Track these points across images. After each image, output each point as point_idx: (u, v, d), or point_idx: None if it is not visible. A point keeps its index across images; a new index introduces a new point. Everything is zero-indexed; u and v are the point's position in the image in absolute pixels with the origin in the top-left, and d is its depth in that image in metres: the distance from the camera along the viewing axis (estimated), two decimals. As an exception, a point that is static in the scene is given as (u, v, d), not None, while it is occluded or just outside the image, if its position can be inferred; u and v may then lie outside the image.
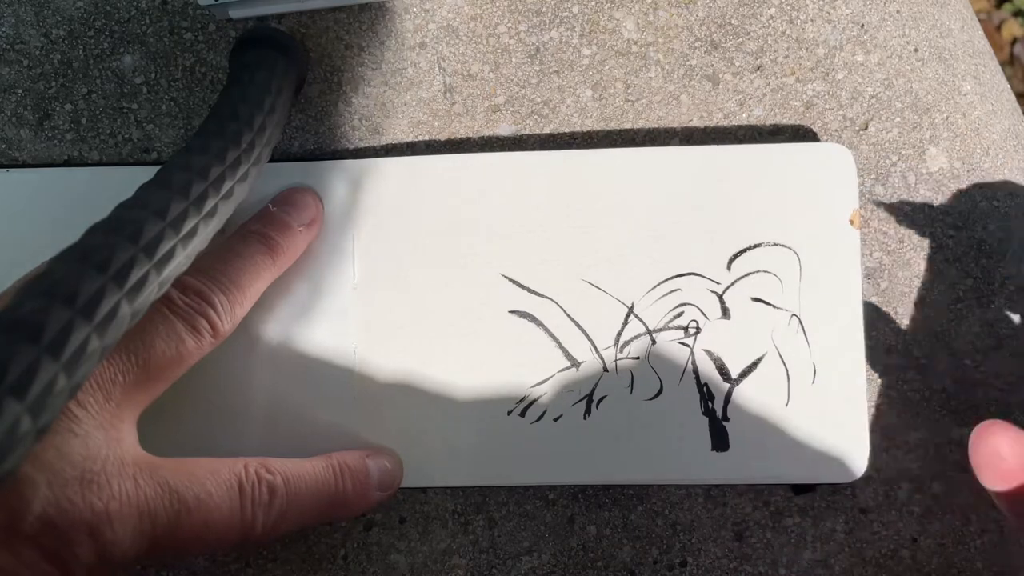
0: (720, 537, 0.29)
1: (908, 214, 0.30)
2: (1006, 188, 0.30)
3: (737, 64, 0.30)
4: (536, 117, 0.30)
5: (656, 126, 0.30)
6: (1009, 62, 0.94)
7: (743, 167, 0.28)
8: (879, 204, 0.30)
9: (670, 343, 0.28)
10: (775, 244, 0.28)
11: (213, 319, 0.24)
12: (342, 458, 0.26)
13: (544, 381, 0.28)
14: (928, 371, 0.29)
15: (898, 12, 0.30)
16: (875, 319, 0.29)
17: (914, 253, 0.30)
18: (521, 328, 0.28)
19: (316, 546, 0.29)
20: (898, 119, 0.30)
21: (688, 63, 0.30)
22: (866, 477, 0.28)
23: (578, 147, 0.30)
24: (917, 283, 0.30)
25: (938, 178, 0.30)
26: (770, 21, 0.30)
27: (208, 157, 0.23)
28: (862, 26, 0.30)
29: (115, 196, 0.21)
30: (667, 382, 0.28)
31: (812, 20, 0.30)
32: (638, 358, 0.28)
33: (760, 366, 0.28)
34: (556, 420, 0.28)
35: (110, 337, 0.19)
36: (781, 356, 0.28)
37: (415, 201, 0.29)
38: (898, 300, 0.29)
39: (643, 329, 0.28)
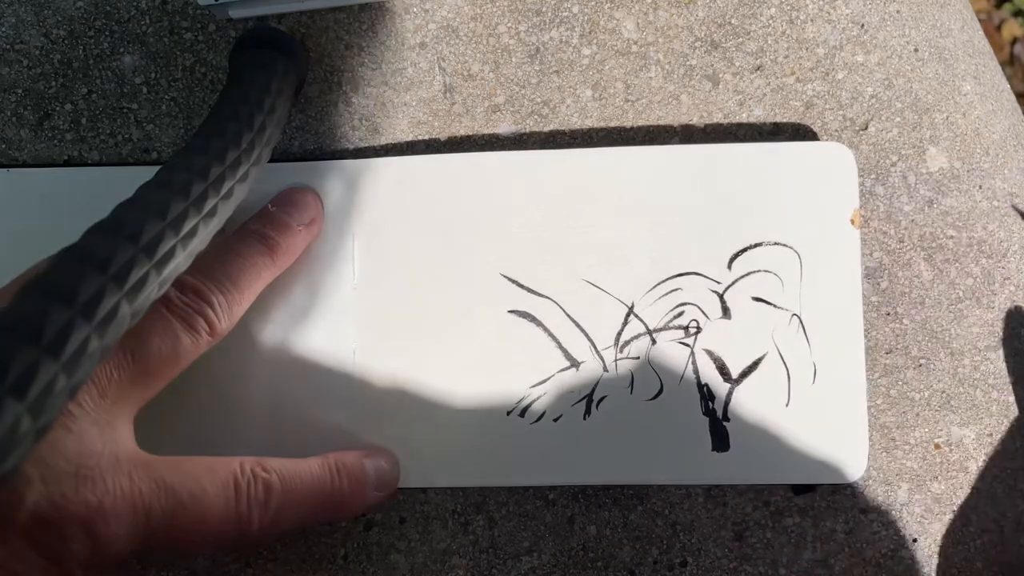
0: (720, 537, 0.29)
1: (908, 214, 0.30)
2: (1006, 188, 0.30)
3: (737, 64, 0.30)
4: (536, 117, 0.30)
5: (656, 126, 0.30)
6: (1009, 62, 0.94)
7: (744, 166, 0.28)
8: (879, 204, 0.30)
9: (670, 343, 0.28)
10: (775, 244, 0.28)
11: (210, 318, 0.24)
12: (339, 458, 0.26)
13: (544, 381, 0.28)
14: (928, 371, 0.29)
15: (898, 12, 0.30)
16: (875, 319, 0.29)
17: (914, 253, 0.30)
18: (521, 328, 0.28)
19: (316, 546, 0.29)
20: (898, 119, 0.30)
21: (688, 63, 0.30)
22: (866, 477, 0.28)
23: (578, 147, 0.30)
24: (917, 283, 0.30)
25: (938, 178, 0.30)
26: (770, 21, 0.30)
27: (208, 157, 0.23)
28: (862, 26, 0.30)
29: (115, 196, 0.21)
30: (667, 382, 0.28)
31: (812, 20, 0.30)
32: (638, 358, 0.28)
33: (760, 366, 0.28)
34: (556, 420, 0.28)
35: (110, 337, 0.19)
36: (781, 356, 0.28)
37: (415, 201, 0.29)
38: (898, 300, 0.29)
39: (643, 329, 0.28)
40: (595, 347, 0.28)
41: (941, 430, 0.29)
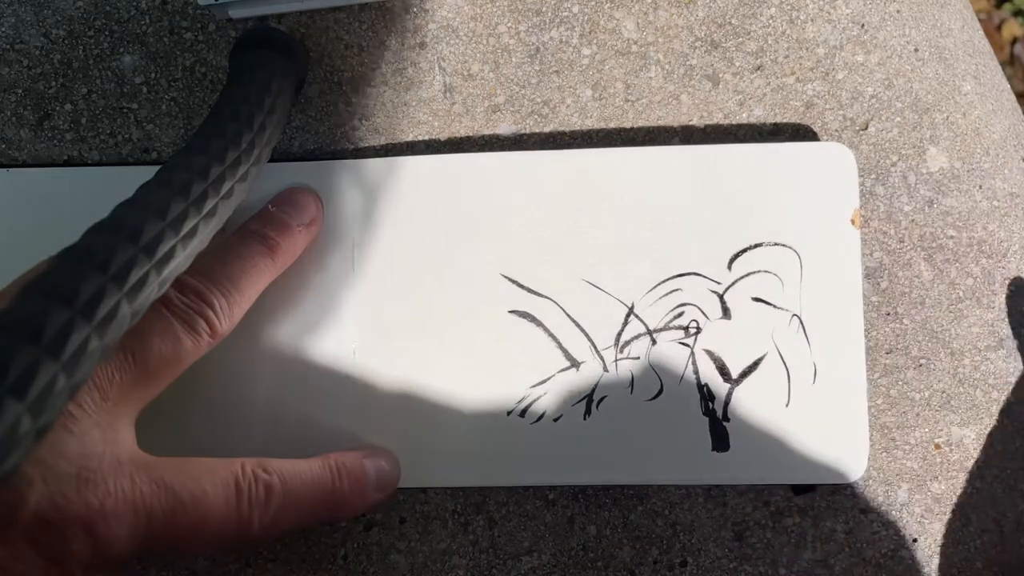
0: (720, 537, 0.29)
1: (908, 214, 0.30)
2: (1006, 188, 0.30)
3: (737, 64, 0.30)
4: (536, 117, 0.30)
5: (656, 126, 0.30)
6: (1009, 62, 0.94)
7: (744, 166, 0.28)
8: (879, 204, 0.30)
9: (670, 343, 0.28)
10: (776, 244, 0.28)
11: (211, 319, 0.24)
12: (339, 459, 0.26)
13: (544, 381, 0.28)
14: (928, 371, 0.29)
15: (898, 12, 0.30)
16: (875, 319, 0.29)
17: (914, 253, 0.30)
18: (521, 328, 0.28)
19: (316, 546, 0.29)
20: (898, 119, 0.30)
21: (688, 63, 0.30)
22: (866, 477, 0.28)
23: (578, 147, 0.30)
24: (917, 283, 0.30)
25: (938, 178, 0.30)
26: (770, 21, 0.30)
27: (208, 157, 0.23)
28: (862, 26, 0.30)
29: (115, 196, 0.21)
30: (667, 382, 0.28)
31: (812, 20, 0.30)
32: (638, 358, 0.28)
33: (761, 366, 0.28)
34: (556, 420, 0.28)
35: (110, 337, 0.19)
36: (782, 356, 0.28)
37: (415, 201, 0.29)
38: (898, 300, 0.29)
39: (643, 329, 0.28)
40: (595, 347, 0.28)
41: (941, 430, 0.29)
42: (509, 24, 0.30)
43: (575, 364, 0.28)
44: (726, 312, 0.28)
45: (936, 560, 0.29)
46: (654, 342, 0.28)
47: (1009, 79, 0.32)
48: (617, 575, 0.29)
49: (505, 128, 0.30)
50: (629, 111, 0.30)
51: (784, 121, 0.30)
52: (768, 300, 0.28)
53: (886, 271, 0.30)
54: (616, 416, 0.28)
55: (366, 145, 0.30)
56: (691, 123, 0.30)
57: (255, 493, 0.23)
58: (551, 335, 0.28)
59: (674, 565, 0.29)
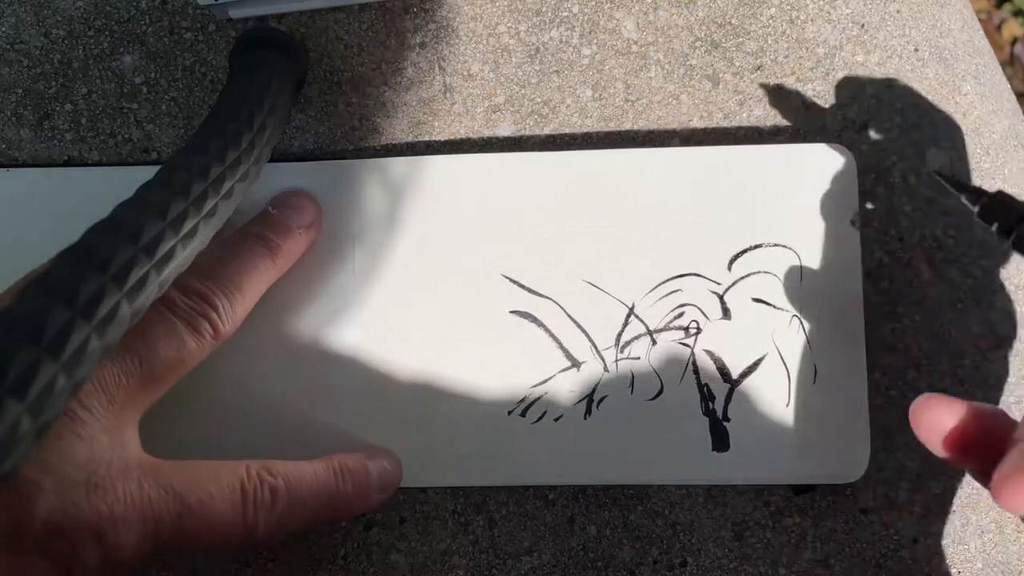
0: (720, 537, 0.29)
1: (908, 214, 0.30)
2: (1006, 188, 0.30)
3: (737, 64, 0.30)
4: (536, 117, 0.30)
5: (656, 126, 0.30)
6: (1009, 62, 0.94)
7: (743, 167, 0.28)
8: (879, 204, 0.30)
9: (671, 343, 0.28)
10: (776, 244, 0.28)
11: (214, 320, 0.24)
12: (342, 460, 0.26)
13: (545, 381, 0.28)
14: (928, 371, 0.29)
15: (898, 12, 0.30)
16: (875, 319, 0.29)
17: (914, 253, 0.30)
18: (522, 328, 0.28)
19: (316, 546, 0.29)
20: (898, 119, 0.30)
21: (688, 63, 0.30)
22: (866, 477, 0.28)
23: (578, 147, 0.30)
24: (917, 283, 0.30)
25: (938, 178, 0.30)
26: (770, 21, 0.30)
27: (208, 157, 0.23)
28: (862, 26, 0.30)
29: (115, 196, 0.21)
30: (668, 382, 0.28)
31: (812, 20, 0.30)
32: (639, 358, 0.28)
33: (761, 366, 0.28)
34: (556, 420, 0.28)
35: (110, 337, 0.19)
36: (782, 356, 0.28)
37: (415, 201, 0.29)
38: (898, 300, 0.29)
39: (644, 329, 0.28)
40: (596, 347, 0.28)
41: (941, 430, 0.29)
42: (509, 24, 0.30)
43: (576, 364, 0.28)
44: (726, 312, 0.28)
45: (936, 560, 0.29)
46: (654, 342, 0.28)
47: (1009, 79, 0.32)
48: (617, 575, 0.29)
49: (505, 128, 0.30)
50: (629, 111, 0.30)
51: (784, 121, 0.30)
52: (768, 301, 0.28)
53: (886, 271, 0.30)
54: (616, 416, 0.28)
55: (366, 145, 0.30)
56: (691, 123, 0.30)
57: (260, 496, 0.23)
58: (552, 335, 0.28)
59: (674, 565, 0.29)
